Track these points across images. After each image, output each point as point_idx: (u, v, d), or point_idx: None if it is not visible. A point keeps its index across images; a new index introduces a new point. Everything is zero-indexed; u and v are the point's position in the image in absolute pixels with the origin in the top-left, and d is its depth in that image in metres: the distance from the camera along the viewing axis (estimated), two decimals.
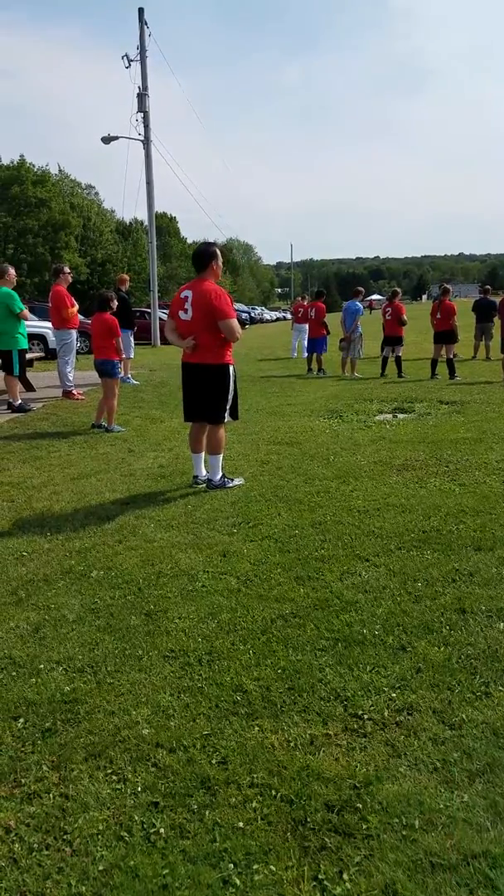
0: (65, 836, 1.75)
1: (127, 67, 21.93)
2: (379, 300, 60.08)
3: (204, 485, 4.82)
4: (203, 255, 4.61)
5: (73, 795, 1.89)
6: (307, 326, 14.12)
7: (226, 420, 4.75)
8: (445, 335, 11.36)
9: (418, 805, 1.81)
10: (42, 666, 2.54)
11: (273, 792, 1.87)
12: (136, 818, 1.80)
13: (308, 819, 1.77)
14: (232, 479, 4.85)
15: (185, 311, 4.55)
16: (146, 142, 22.49)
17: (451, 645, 2.58)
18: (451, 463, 5.25)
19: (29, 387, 9.91)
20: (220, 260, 4.68)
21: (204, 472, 4.88)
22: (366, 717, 2.18)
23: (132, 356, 11.68)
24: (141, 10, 21.96)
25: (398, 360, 11.85)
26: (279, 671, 2.43)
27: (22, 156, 39.27)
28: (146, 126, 22.43)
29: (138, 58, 22.01)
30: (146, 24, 22.08)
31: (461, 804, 1.80)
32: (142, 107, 22.19)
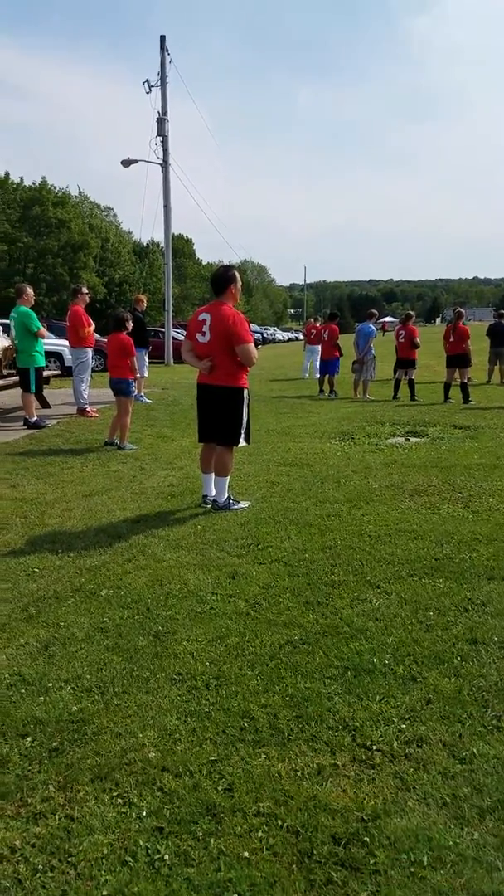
0: (69, 859, 1.74)
1: (148, 93, 22.43)
2: (392, 322, 60.25)
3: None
4: (221, 278, 4.68)
5: (79, 817, 1.88)
6: (319, 348, 14.18)
7: (241, 444, 4.78)
8: (459, 359, 11.36)
9: (427, 841, 1.78)
10: (51, 684, 2.54)
11: (279, 822, 1.85)
12: (141, 843, 1.78)
13: (314, 851, 1.75)
14: (238, 502, 4.85)
15: (203, 333, 4.60)
16: (164, 165, 22.88)
17: (462, 676, 2.55)
18: (465, 489, 5.22)
19: (45, 404, 10.01)
20: (239, 283, 4.74)
21: (213, 492, 4.89)
22: (374, 748, 2.16)
23: (146, 375, 11.78)
24: (163, 38, 22.50)
25: (411, 383, 11.86)
26: (287, 698, 2.42)
27: (44, 177, 40.07)
28: (165, 150, 22.84)
29: (159, 83, 22.49)
30: (167, 51, 22.60)
31: (471, 842, 1.77)
32: (161, 131, 22.62)
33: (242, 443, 4.80)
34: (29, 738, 2.23)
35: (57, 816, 1.88)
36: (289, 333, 65.44)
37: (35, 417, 8.60)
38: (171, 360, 22.81)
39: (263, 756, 2.12)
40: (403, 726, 2.26)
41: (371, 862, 1.72)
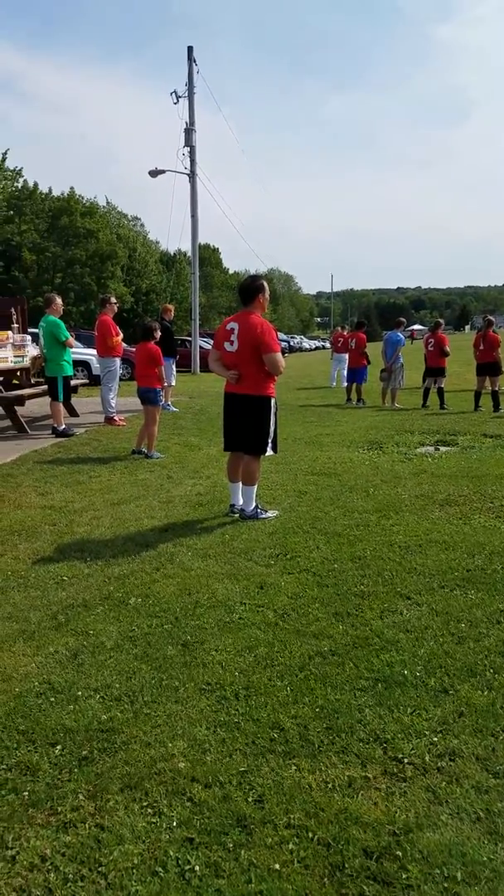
0: (100, 868, 1.74)
1: (175, 103, 22.73)
2: (421, 330, 59.88)
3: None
4: (250, 288, 4.70)
5: (109, 826, 1.88)
6: (346, 356, 14.13)
7: (268, 453, 4.78)
8: (489, 367, 11.22)
9: (461, 856, 1.75)
10: (80, 693, 2.55)
11: (310, 834, 1.83)
12: (171, 853, 1.78)
13: (346, 865, 1.73)
14: (266, 511, 4.84)
15: (231, 342, 4.62)
16: (192, 175, 23.14)
17: (495, 689, 2.50)
18: (497, 499, 5.14)
19: (73, 412, 10.15)
20: (267, 293, 4.76)
21: (241, 501, 4.89)
22: (406, 761, 2.13)
23: (174, 384, 11.86)
24: (190, 49, 22.80)
25: (440, 392, 11.74)
26: (317, 710, 2.40)
27: (72, 188, 40.71)
28: (192, 160, 23.11)
29: (186, 94, 22.77)
30: (195, 61, 22.89)
31: None
32: (188, 141, 22.90)
33: (270, 452, 4.80)
34: (59, 747, 2.24)
35: (87, 825, 1.89)
36: (315, 342, 65.39)
37: (63, 426, 8.72)
38: (198, 369, 22.97)
39: (294, 768, 2.11)
40: (435, 739, 2.23)
41: (403, 876, 1.69)
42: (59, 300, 8.90)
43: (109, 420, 9.66)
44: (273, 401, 4.74)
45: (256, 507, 4.81)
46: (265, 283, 4.80)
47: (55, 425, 8.72)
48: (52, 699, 2.52)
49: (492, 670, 2.63)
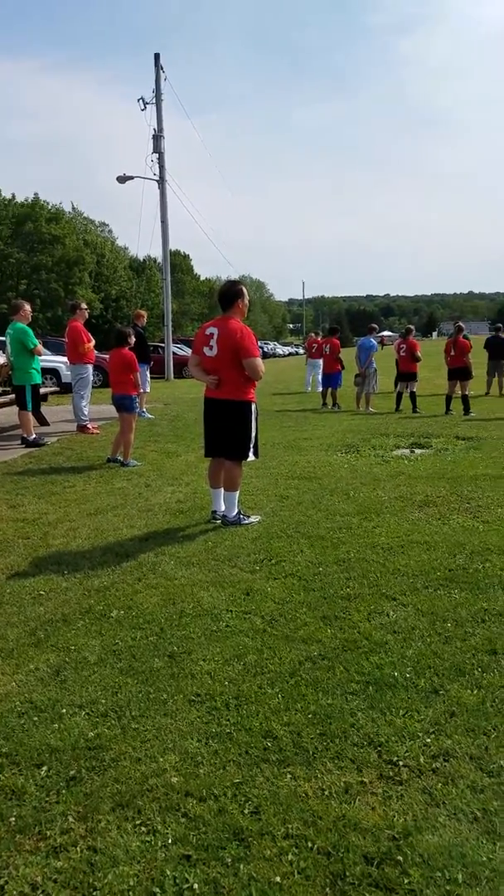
0: (94, 893, 1.68)
1: (142, 110, 22.66)
2: (391, 336, 60.54)
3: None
4: (229, 293, 4.69)
5: (102, 848, 1.82)
6: (321, 361, 14.20)
7: (249, 458, 4.76)
8: (460, 372, 11.39)
9: (460, 858, 1.73)
10: (64, 710, 2.48)
11: (309, 843, 1.80)
12: (168, 872, 1.73)
13: (347, 873, 1.70)
14: (248, 516, 4.81)
15: (211, 347, 4.60)
16: (161, 181, 23.08)
17: (484, 688, 2.50)
18: (473, 499, 5.19)
19: (43, 421, 9.98)
20: (246, 298, 4.76)
21: (223, 507, 4.86)
22: (401, 763, 2.11)
23: (148, 390, 11.78)
24: (157, 56, 22.78)
25: (413, 396, 11.88)
26: (309, 716, 2.37)
27: (36, 194, 40.34)
28: (161, 166, 23.05)
29: (154, 101, 22.74)
30: (162, 68, 22.87)
31: None
32: (157, 148, 22.85)
33: (251, 457, 4.78)
34: (44, 768, 2.17)
35: (78, 849, 1.82)
36: (289, 348, 65.69)
37: (34, 435, 8.56)
38: (172, 376, 22.87)
39: (289, 776, 2.07)
40: (429, 740, 2.21)
41: (405, 882, 1.67)
42: (27, 307, 8.73)
43: (82, 428, 9.52)
44: (254, 405, 4.72)
45: (239, 512, 4.78)
46: (244, 289, 4.79)
47: (24, 435, 8.54)
48: (35, 718, 2.44)
49: (480, 669, 2.64)
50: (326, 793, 1.99)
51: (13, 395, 8.93)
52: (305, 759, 2.15)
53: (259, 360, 4.60)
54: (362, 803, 1.94)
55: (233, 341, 4.50)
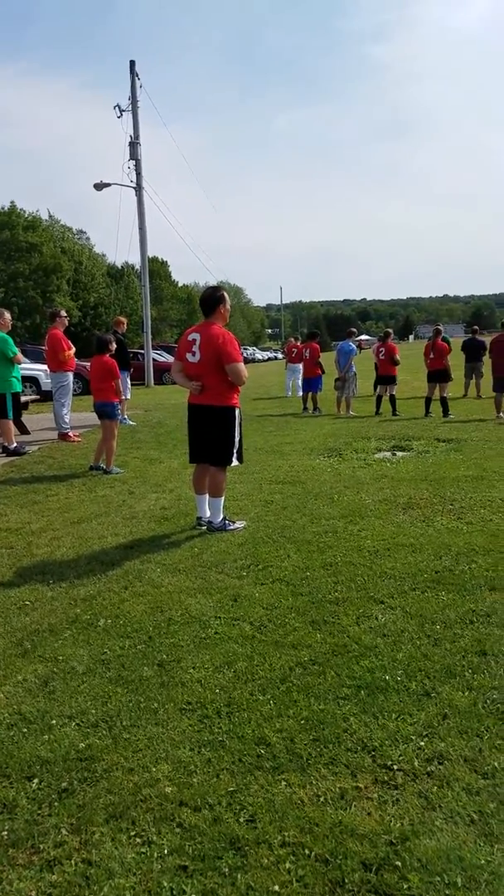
0: None
1: (119, 117, 22.64)
2: (368, 340, 60.94)
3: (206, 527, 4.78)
4: (211, 298, 4.68)
5: (97, 861, 1.79)
6: (301, 366, 14.24)
7: (233, 463, 4.74)
8: (439, 374, 11.49)
9: (458, 861, 1.73)
10: (54, 721, 2.45)
11: (306, 851, 1.79)
12: (165, 884, 1.70)
13: (346, 880, 1.69)
14: (233, 522, 4.80)
15: (193, 353, 4.58)
16: (138, 189, 23.04)
17: (475, 689, 2.51)
18: (456, 501, 5.23)
19: (23, 430, 9.87)
20: (228, 304, 4.75)
21: (207, 514, 4.83)
22: (395, 767, 2.11)
23: (129, 397, 11.72)
24: (132, 63, 22.78)
25: (392, 399, 11.95)
26: (302, 722, 2.36)
27: (12, 202, 40.08)
28: (138, 173, 23.03)
29: (130, 108, 22.71)
30: (137, 76, 22.87)
31: (503, 859, 1.73)
32: (133, 155, 22.82)
33: (235, 462, 4.77)
34: (36, 780, 2.13)
35: (73, 862, 1.80)
36: (268, 353, 65.86)
37: (14, 444, 8.46)
38: (152, 382, 22.80)
39: (284, 783, 2.06)
40: (422, 743, 2.22)
41: (405, 887, 1.66)
42: (7, 315, 8.65)
43: (64, 436, 9.44)
44: (237, 411, 4.71)
45: (224, 518, 4.76)
46: (226, 294, 4.79)
47: (5, 444, 8.45)
48: (25, 730, 2.40)
49: (470, 671, 2.65)
50: (322, 799, 1.98)
51: None
52: (299, 766, 2.14)
53: (242, 366, 4.59)
54: (358, 809, 1.94)
55: (215, 347, 4.49)
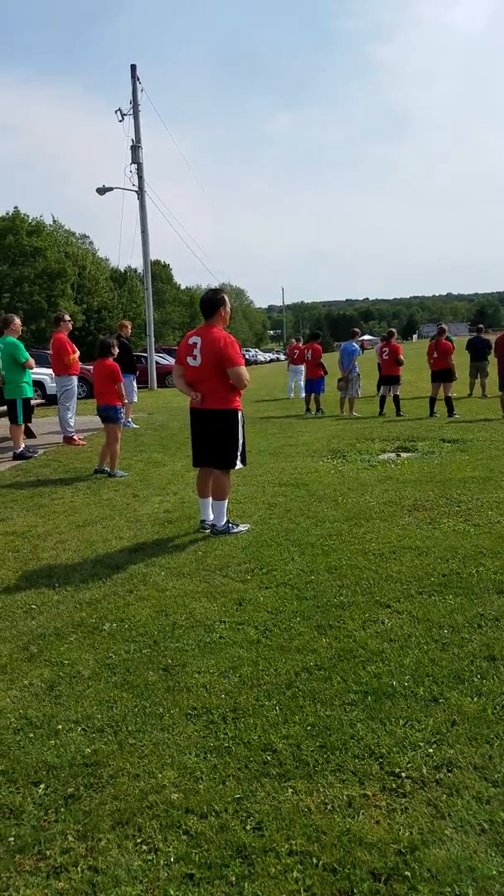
0: None
1: (120, 121, 22.64)
2: (371, 341, 60.83)
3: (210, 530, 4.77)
4: (211, 301, 4.66)
5: (103, 868, 1.78)
6: (303, 367, 14.22)
7: (237, 466, 4.73)
8: (443, 374, 11.46)
9: (469, 871, 1.71)
10: (60, 726, 2.44)
11: (314, 860, 1.77)
12: (172, 892, 1.69)
13: (354, 890, 1.67)
14: (237, 525, 4.78)
15: (194, 357, 4.56)
16: (140, 192, 23.06)
17: (484, 695, 2.49)
18: (462, 503, 5.20)
19: (30, 434, 9.88)
20: (229, 306, 4.73)
21: (211, 517, 4.82)
22: (404, 775, 2.09)
23: (135, 400, 11.72)
24: (133, 67, 22.80)
25: (396, 399, 11.92)
26: (308, 728, 2.34)
27: (16, 207, 40.25)
28: (140, 177, 23.04)
29: (131, 112, 22.74)
30: (138, 79, 22.89)
31: None
32: (135, 158, 22.83)
33: (239, 465, 4.75)
34: (42, 786, 2.13)
35: (79, 869, 1.79)
36: (270, 354, 65.83)
37: (21, 447, 8.48)
38: (156, 385, 22.81)
39: (290, 790, 2.04)
40: (431, 750, 2.19)
41: None
42: (17, 321, 8.67)
43: (69, 440, 9.45)
44: (240, 414, 4.70)
45: (228, 521, 4.75)
46: (226, 297, 4.77)
47: (14, 449, 8.47)
48: (31, 735, 2.40)
49: (479, 676, 2.62)
50: (329, 807, 1.97)
51: (3, 408, 8.84)
52: (306, 773, 2.12)
53: (243, 369, 4.58)
54: (366, 817, 1.92)
55: (216, 350, 4.48)
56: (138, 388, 14.30)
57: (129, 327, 11.35)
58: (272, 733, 2.32)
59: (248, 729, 2.36)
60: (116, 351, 7.23)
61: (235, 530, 4.70)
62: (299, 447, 8.54)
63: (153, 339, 23.94)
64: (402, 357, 12.12)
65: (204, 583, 3.77)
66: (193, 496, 5.11)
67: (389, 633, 3.01)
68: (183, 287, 68.58)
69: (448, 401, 11.27)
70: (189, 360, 4.61)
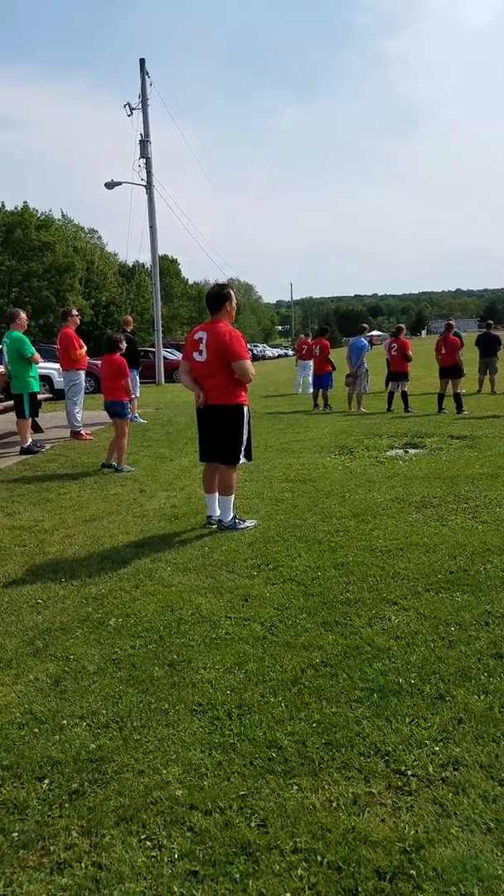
0: None
1: (129, 115, 22.63)
2: (379, 336, 60.59)
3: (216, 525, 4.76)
4: (217, 296, 4.64)
5: (107, 864, 1.77)
6: (311, 363, 14.18)
7: (241, 461, 4.72)
8: (451, 370, 11.39)
9: (475, 871, 1.70)
10: (65, 721, 2.43)
11: (319, 858, 1.76)
12: (176, 889, 1.68)
13: (359, 888, 1.66)
14: (244, 521, 4.77)
15: (200, 352, 4.55)
16: (149, 187, 23.04)
17: (491, 693, 2.47)
18: (470, 499, 5.17)
19: (37, 428, 9.91)
20: (234, 301, 4.71)
21: (217, 512, 4.81)
22: (409, 773, 2.07)
23: (138, 395, 11.72)
24: (142, 61, 22.77)
25: (404, 395, 11.87)
26: (314, 725, 2.33)
27: (25, 202, 40.29)
28: (148, 171, 23.03)
29: (140, 106, 22.71)
30: (147, 73, 22.87)
31: None
32: (144, 153, 22.82)
33: (243, 460, 4.74)
34: (46, 781, 2.12)
35: (83, 865, 1.78)
36: (278, 350, 65.74)
37: (28, 442, 8.50)
38: (163, 380, 22.83)
39: (295, 787, 2.03)
40: (437, 748, 2.18)
41: None
42: (23, 315, 8.69)
43: (76, 434, 9.46)
44: (246, 409, 4.68)
45: (234, 517, 4.73)
46: (232, 292, 4.75)
47: (22, 443, 8.50)
48: (36, 730, 2.40)
49: (486, 674, 2.60)
50: (334, 804, 1.95)
51: (11, 403, 8.88)
52: (311, 770, 2.11)
53: (248, 363, 4.56)
54: (372, 815, 1.91)
55: (221, 345, 4.46)
56: (145, 383, 14.30)
57: (132, 323, 11.38)
58: (277, 730, 2.31)
59: (254, 725, 2.35)
60: (124, 346, 7.23)
61: (242, 526, 4.69)
62: (306, 443, 8.52)
63: (161, 334, 23.96)
64: (410, 353, 12.06)
65: (210, 578, 3.76)
66: (200, 492, 5.10)
67: (396, 630, 3.00)
68: (191, 282, 68.58)
69: (457, 397, 11.21)
70: (195, 355, 4.60)
